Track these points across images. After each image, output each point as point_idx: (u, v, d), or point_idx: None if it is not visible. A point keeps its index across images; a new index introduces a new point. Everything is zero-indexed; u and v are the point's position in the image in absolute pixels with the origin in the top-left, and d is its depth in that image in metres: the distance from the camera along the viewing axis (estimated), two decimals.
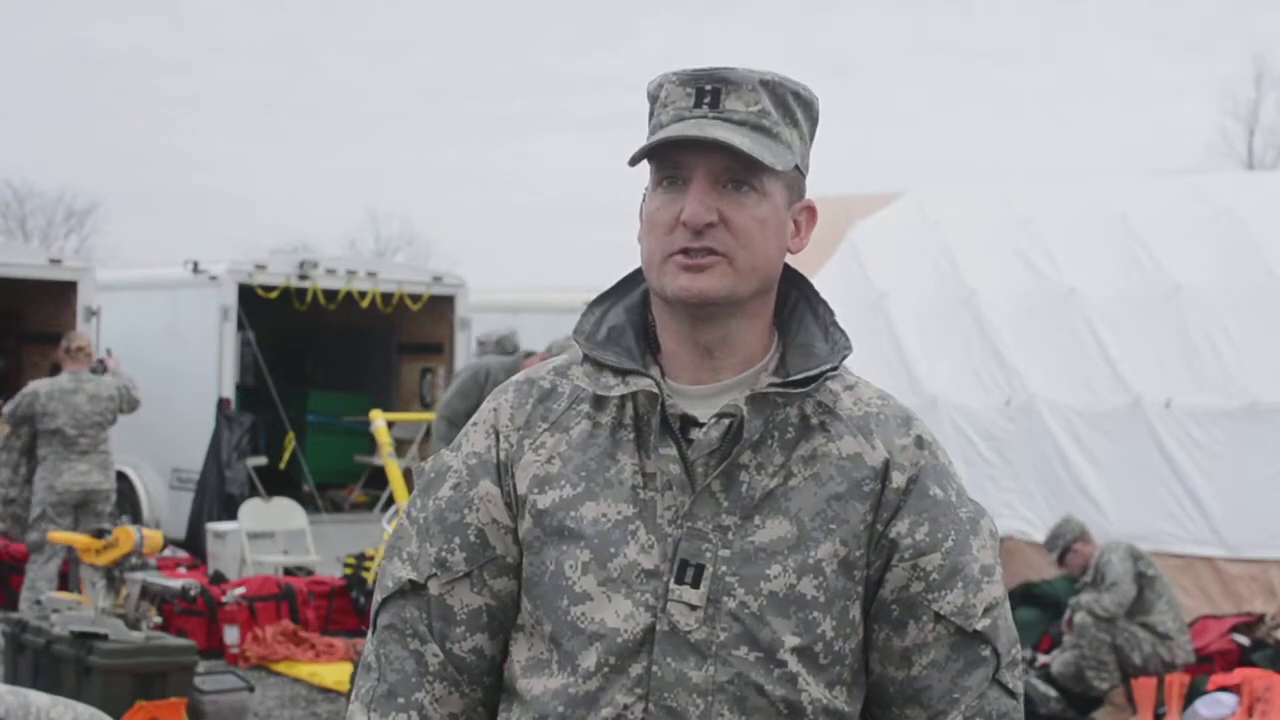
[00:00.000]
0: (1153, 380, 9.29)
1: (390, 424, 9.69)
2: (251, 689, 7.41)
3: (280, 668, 8.98)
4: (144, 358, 11.79)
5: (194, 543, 11.31)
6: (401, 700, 1.82)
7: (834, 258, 10.79)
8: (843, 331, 1.83)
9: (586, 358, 1.83)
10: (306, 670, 8.87)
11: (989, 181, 25.56)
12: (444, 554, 1.83)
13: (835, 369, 1.80)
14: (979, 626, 1.77)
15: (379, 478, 12.19)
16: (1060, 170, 52.77)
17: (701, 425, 1.76)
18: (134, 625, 6.80)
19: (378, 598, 1.88)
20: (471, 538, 1.83)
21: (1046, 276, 10.14)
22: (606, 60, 65.39)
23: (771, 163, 1.74)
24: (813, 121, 1.84)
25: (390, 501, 10.08)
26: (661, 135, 1.75)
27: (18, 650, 7.19)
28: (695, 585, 1.72)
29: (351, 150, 63.45)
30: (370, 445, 11.74)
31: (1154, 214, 10.26)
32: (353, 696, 1.90)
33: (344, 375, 14.63)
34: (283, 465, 12.35)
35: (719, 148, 1.73)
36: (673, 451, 1.75)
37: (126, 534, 6.98)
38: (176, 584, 6.86)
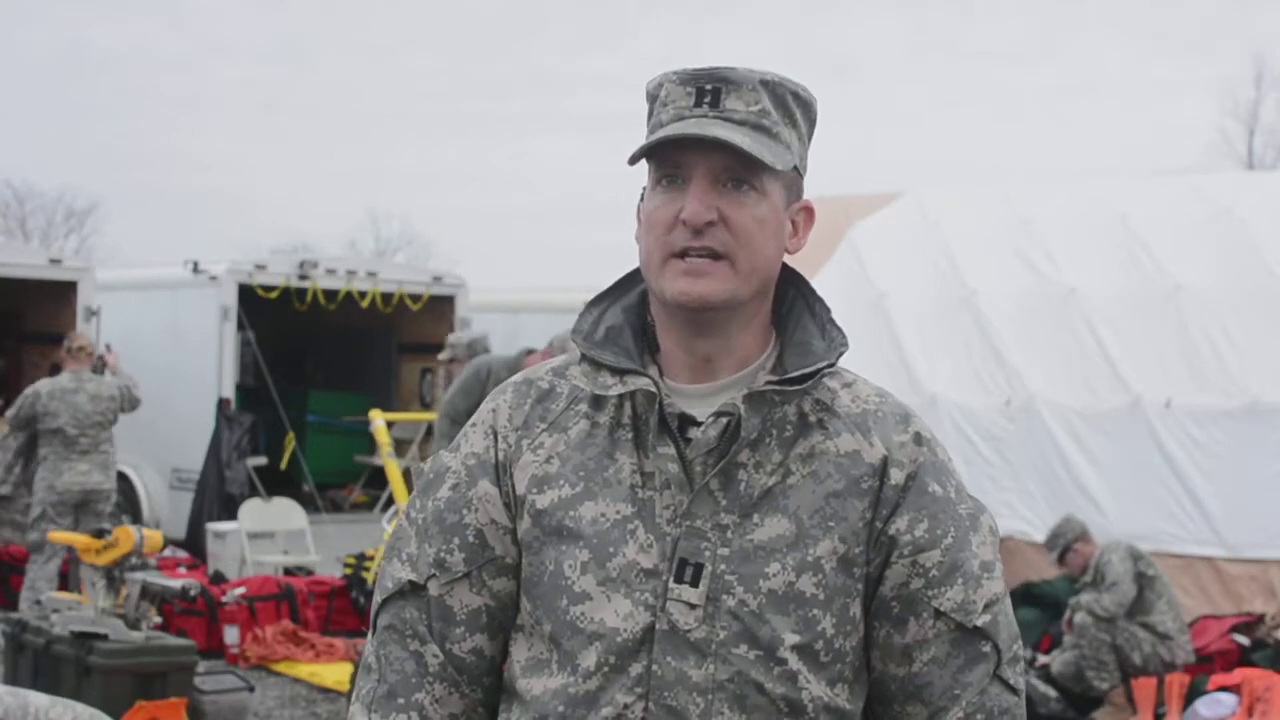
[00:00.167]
0: (1153, 380, 9.29)
1: (390, 424, 9.69)
2: (251, 689, 7.41)
3: (280, 668, 8.98)
4: (144, 358, 11.78)
5: (194, 543, 11.31)
6: (402, 701, 1.83)
7: (834, 258, 10.79)
8: (839, 329, 1.83)
9: (584, 357, 1.84)
10: (306, 670, 8.87)
11: (989, 181, 25.58)
12: (443, 554, 1.83)
13: (832, 366, 1.80)
14: (979, 623, 1.77)
15: (379, 478, 12.18)
16: (1060, 170, 52.81)
17: (699, 424, 1.77)
18: (134, 625, 6.80)
19: (377, 599, 1.88)
20: (470, 538, 1.83)
21: (1046, 276, 10.14)
22: (606, 60, 65.45)
23: (771, 162, 1.74)
24: (811, 122, 1.85)
25: (390, 501, 10.08)
26: (662, 134, 1.75)
27: (18, 650, 7.19)
28: (694, 584, 1.73)
29: (351, 150, 63.52)
30: (370, 445, 11.73)
31: (1154, 214, 10.26)
32: (353, 697, 1.90)
33: (344, 375, 14.63)
34: (283, 466, 12.34)
35: (719, 147, 1.73)
36: (671, 450, 1.75)
37: (126, 534, 6.98)
38: (176, 584, 6.86)
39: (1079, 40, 58.76)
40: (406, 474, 9.61)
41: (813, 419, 1.79)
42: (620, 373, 1.79)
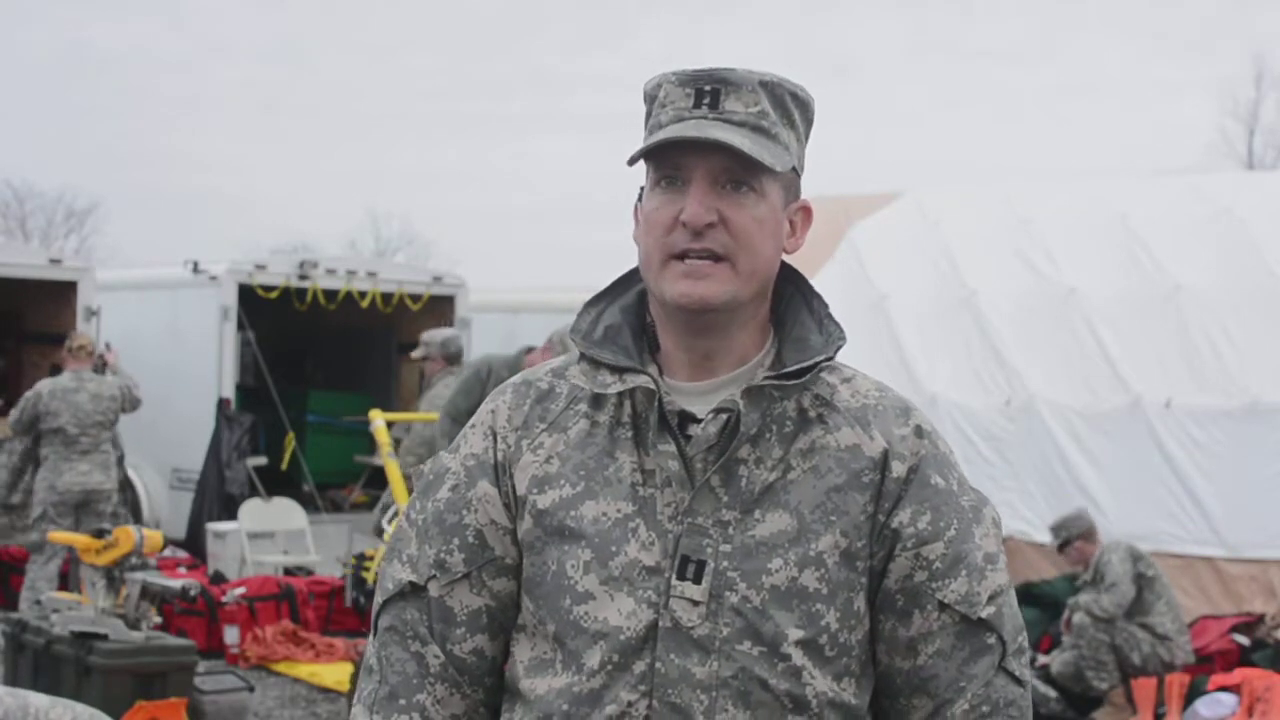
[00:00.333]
0: (1153, 380, 9.29)
1: (390, 424, 9.68)
2: (251, 689, 7.41)
3: (280, 668, 8.98)
4: (144, 358, 11.77)
5: (194, 543, 11.30)
6: (403, 702, 1.83)
7: (834, 258, 10.79)
8: (837, 323, 1.83)
9: (583, 356, 1.84)
10: (306, 670, 8.87)
11: (989, 181, 25.55)
12: (443, 555, 1.83)
13: (830, 359, 1.80)
14: (984, 614, 1.78)
15: (379, 478, 12.17)
16: (1060, 170, 52.80)
17: (699, 421, 1.77)
18: (134, 625, 6.79)
19: (378, 600, 1.88)
20: (470, 539, 1.83)
21: (1046, 276, 10.14)
22: (606, 60, 65.42)
23: (771, 164, 1.74)
24: (808, 122, 1.85)
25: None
26: (662, 136, 1.75)
27: (18, 650, 7.18)
28: (697, 581, 1.73)
29: (351, 150, 63.51)
30: (370, 445, 11.72)
31: (1154, 214, 10.26)
32: (355, 699, 1.90)
33: (344, 375, 14.62)
34: (284, 466, 12.34)
35: (719, 148, 1.73)
36: (671, 448, 1.75)
37: (126, 534, 6.98)
38: (176, 584, 6.86)
39: (1079, 40, 58.82)
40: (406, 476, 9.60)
41: (812, 414, 1.79)
42: (619, 371, 1.80)
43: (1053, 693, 7.93)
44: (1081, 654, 7.88)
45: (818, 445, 1.78)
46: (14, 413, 9.42)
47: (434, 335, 9.47)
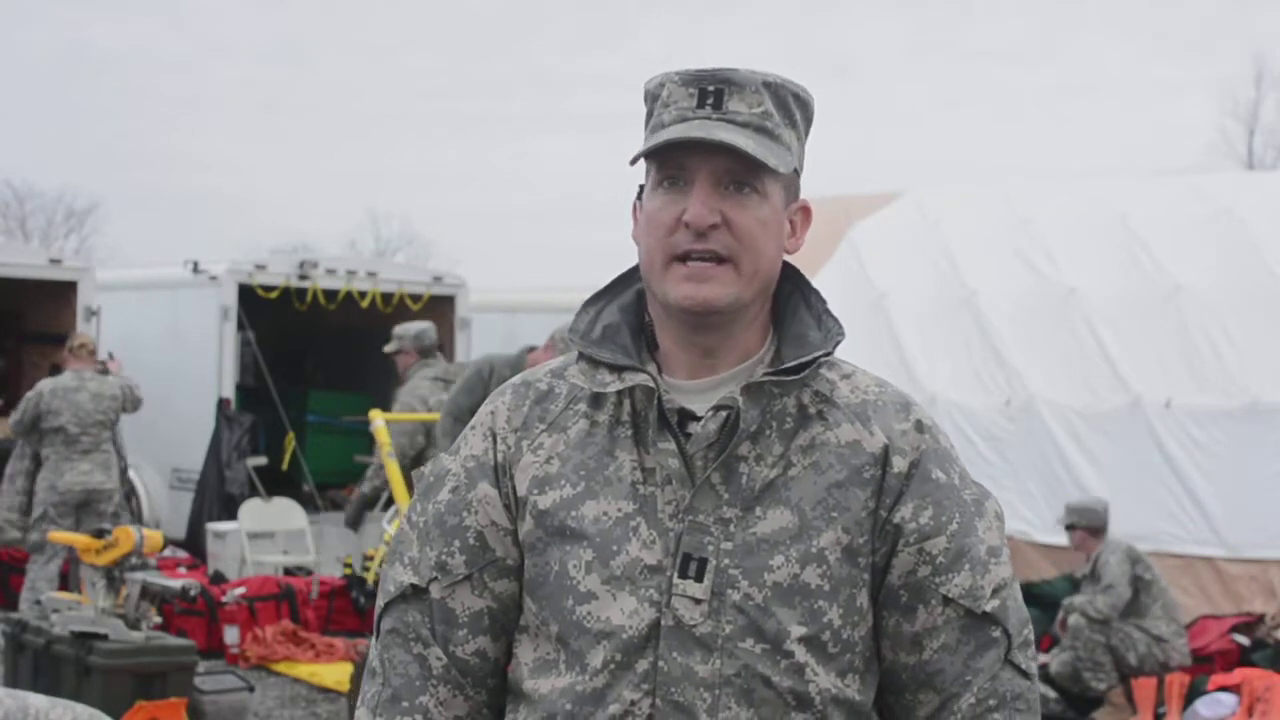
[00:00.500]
0: (1153, 380, 9.29)
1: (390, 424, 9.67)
2: (251, 689, 7.41)
3: (280, 668, 8.98)
4: (144, 358, 11.77)
5: (194, 543, 11.30)
6: (406, 704, 1.83)
7: (834, 258, 10.79)
8: (835, 319, 1.83)
9: (582, 356, 1.84)
10: (306, 670, 8.87)
11: (989, 181, 25.55)
12: (444, 557, 1.83)
13: (829, 355, 1.80)
14: (988, 608, 1.78)
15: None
16: (1060, 170, 52.79)
17: (699, 419, 1.77)
18: (134, 625, 6.79)
19: (380, 603, 1.88)
20: (471, 540, 1.83)
21: (1046, 276, 10.14)
22: (606, 60, 65.42)
23: (775, 165, 1.75)
24: (808, 121, 1.86)
25: (390, 502, 10.06)
26: (666, 136, 1.75)
27: (18, 650, 7.18)
28: (699, 579, 1.73)
29: (351, 150, 63.50)
30: (370, 445, 11.72)
31: (1154, 214, 10.26)
32: (359, 701, 1.90)
33: (344, 375, 14.61)
34: (284, 466, 12.33)
35: (723, 149, 1.73)
36: (671, 446, 1.75)
37: (126, 534, 6.98)
38: (176, 584, 6.85)
39: (1079, 40, 58.81)
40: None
41: (812, 410, 1.79)
42: (618, 369, 1.80)
43: (1052, 693, 7.92)
44: (1078, 655, 7.88)
45: (818, 441, 1.78)
46: (15, 413, 9.41)
47: (407, 328, 9.36)
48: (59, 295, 11.92)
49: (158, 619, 7.05)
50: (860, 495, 1.76)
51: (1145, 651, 7.82)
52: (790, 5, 64.09)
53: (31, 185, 51.33)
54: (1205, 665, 8.13)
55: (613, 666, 1.73)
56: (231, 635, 9.17)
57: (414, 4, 65.40)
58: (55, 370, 10.80)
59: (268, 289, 12.23)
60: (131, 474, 11.63)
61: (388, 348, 9.39)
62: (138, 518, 11.46)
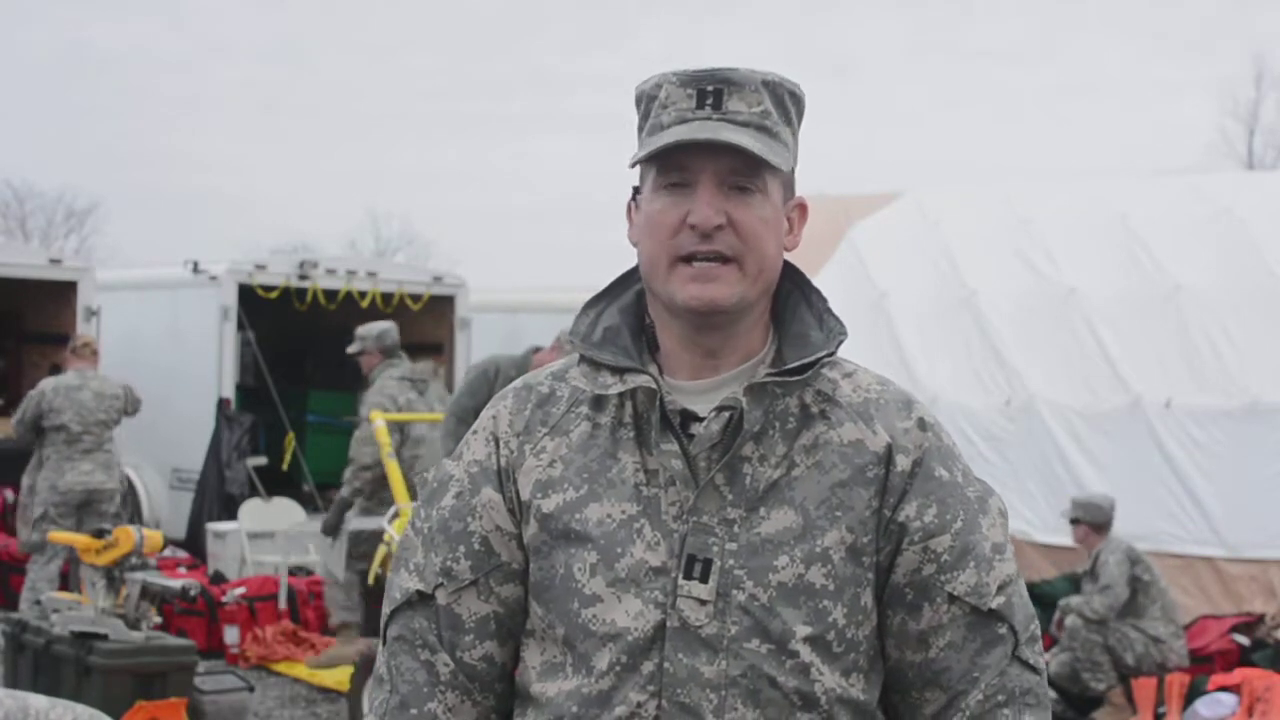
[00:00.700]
0: (1153, 380, 9.29)
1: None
2: (251, 689, 7.40)
3: (280, 668, 8.98)
4: (144, 358, 11.77)
5: (194, 543, 11.30)
6: (414, 711, 1.83)
7: (834, 258, 10.79)
8: (837, 318, 1.83)
9: (583, 358, 1.84)
10: (306, 670, 8.86)
11: (989, 181, 25.54)
12: (449, 563, 1.83)
13: (832, 355, 1.80)
14: (994, 605, 1.78)
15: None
16: (1060, 170, 52.80)
17: (701, 420, 1.77)
18: (134, 625, 6.79)
19: (386, 610, 1.88)
20: (476, 545, 1.83)
21: (1046, 276, 10.14)
22: (606, 60, 65.38)
23: (779, 164, 1.75)
24: (800, 116, 1.86)
25: (389, 502, 10.05)
26: (672, 138, 1.74)
27: (18, 650, 7.18)
28: (704, 580, 1.72)
29: (351, 150, 63.53)
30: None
31: (1154, 214, 10.26)
32: (366, 709, 1.90)
33: (344, 375, 14.60)
34: (284, 466, 12.33)
35: (727, 150, 1.73)
36: (674, 447, 1.75)
37: (126, 534, 6.97)
38: (176, 584, 6.85)
39: (1079, 40, 58.82)
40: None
41: (815, 410, 1.79)
42: (620, 371, 1.79)
43: (1052, 693, 7.91)
44: (1076, 656, 7.87)
45: (821, 441, 1.78)
46: (17, 412, 9.41)
47: (369, 329, 9.18)
48: (59, 295, 11.92)
49: (158, 619, 7.04)
50: (864, 494, 1.76)
51: (1142, 652, 7.82)
52: (790, 5, 64.16)
53: (31, 185, 51.45)
54: (1205, 665, 8.13)
55: (619, 668, 1.73)
56: (231, 635, 9.17)
57: (414, 4, 65.46)
58: (55, 370, 10.81)
59: (268, 289, 12.24)
60: (131, 473, 11.65)
61: (350, 349, 9.21)
62: (136, 517, 11.47)
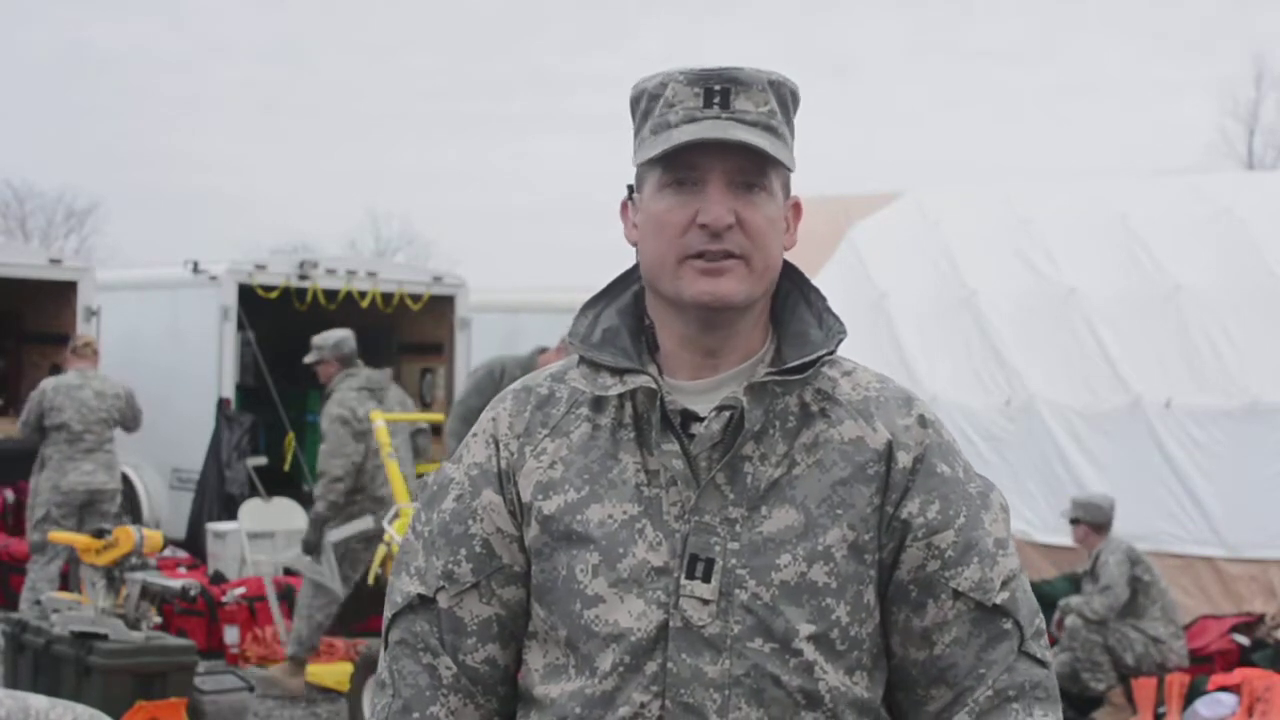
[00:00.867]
0: (1153, 380, 9.29)
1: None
2: (251, 689, 7.41)
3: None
4: (144, 358, 11.77)
5: (194, 543, 11.29)
6: (417, 715, 1.82)
7: (834, 258, 10.79)
8: (836, 317, 1.83)
9: (583, 359, 1.84)
10: (307, 670, 8.85)
11: (989, 181, 25.54)
12: (451, 566, 1.83)
13: (831, 354, 1.80)
14: (998, 600, 1.77)
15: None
16: (1060, 170, 52.78)
17: (702, 419, 1.77)
18: (134, 625, 6.79)
19: (388, 614, 1.88)
20: (477, 548, 1.83)
21: (1046, 276, 10.14)
22: (606, 60, 65.34)
23: (788, 163, 1.76)
24: (796, 114, 1.86)
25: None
26: (684, 137, 1.74)
27: (18, 650, 7.18)
28: (706, 579, 1.72)
29: (351, 150, 63.51)
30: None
31: (1154, 214, 10.26)
32: (368, 714, 1.90)
33: None
34: (285, 466, 12.33)
35: (736, 149, 1.73)
36: (675, 447, 1.75)
37: (126, 534, 6.97)
38: (176, 584, 6.85)
39: (1079, 40, 58.82)
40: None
41: (815, 408, 1.79)
42: (619, 372, 1.79)
43: None
44: (1076, 656, 7.87)
45: (821, 439, 1.78)
46: (23, 414, 9.42)
47: (326, 337, 8.81)
48: (59, 295, 11.93)
49: (158, 619, 7.05)
50: (865, 491, 1.76)
51: (1142, 652, 7.82)
52: (790, 5, 64.15)
53: (31, 185, 51.39)
54: (1205, 665, 8.12)
55: (622, 669, 1.72)
56: (231, 635, 9.16)
57: (414, 4, 65.45)
58: (55, 370, 10.81)
59: (268, 289, 12.24)
60: (131, 473, 11.65)
61: (307, 358, 8.87)
62: (136, 517, 11.47)
